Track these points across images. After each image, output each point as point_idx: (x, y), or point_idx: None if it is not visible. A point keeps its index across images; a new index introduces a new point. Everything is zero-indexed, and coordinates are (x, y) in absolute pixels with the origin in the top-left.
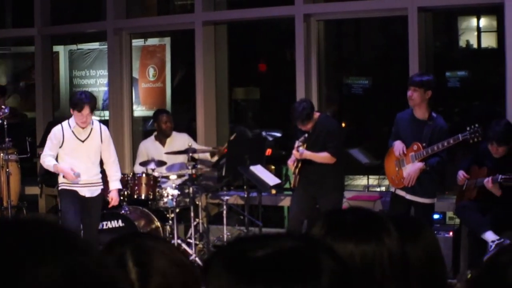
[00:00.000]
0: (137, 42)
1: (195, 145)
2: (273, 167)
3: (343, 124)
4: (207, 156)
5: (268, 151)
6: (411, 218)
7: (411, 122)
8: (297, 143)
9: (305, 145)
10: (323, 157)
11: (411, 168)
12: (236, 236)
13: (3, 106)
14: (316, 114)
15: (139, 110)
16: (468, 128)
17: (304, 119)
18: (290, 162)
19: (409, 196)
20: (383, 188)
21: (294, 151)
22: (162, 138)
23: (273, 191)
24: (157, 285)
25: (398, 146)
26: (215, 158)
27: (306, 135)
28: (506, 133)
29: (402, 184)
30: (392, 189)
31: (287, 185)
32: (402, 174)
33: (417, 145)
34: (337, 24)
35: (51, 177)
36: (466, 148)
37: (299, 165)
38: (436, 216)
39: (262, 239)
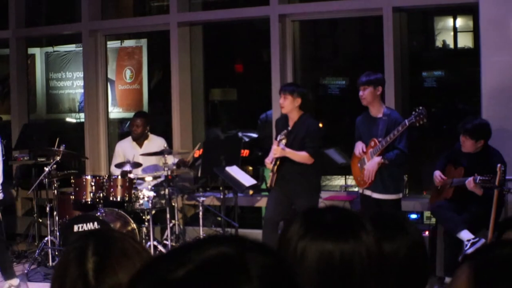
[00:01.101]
0: (113, 44)
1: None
2: (250, 168)
3: (320, 125)
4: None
5: (246, 152)
6: (395, 215)
7: (367, 121)
8: (279, 137)
9: (286, 140)
10: (302, 156)
11: (370, 164)
12: (155, 256)
13: None
14: (299, 113)
15: (116, 112)
16: (413, 112)
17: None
18: (268, 161)
19: (375, 195)
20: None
21: (275, 146)
22: (139, 140)
23: (251, 192)
24: (112, 275)
25: (357, 146)
26: (181, 169)
27: (286, 131)
28: (476, 127)
29: (366, 183)
30: (360, 190)
31: (263, 186)
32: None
33: (373, 141)
34: (313, 25)
35: (27, 181)
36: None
37: (278, 163)
38: (413, 216)
39: (182, 253)
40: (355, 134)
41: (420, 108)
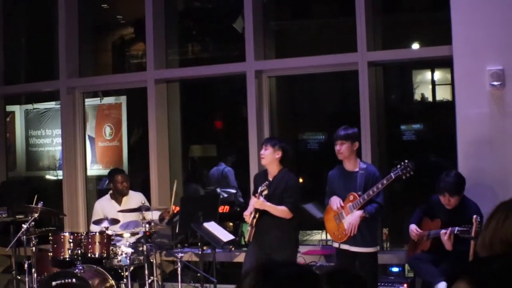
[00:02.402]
0: (93, 101)
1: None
2: (231, 223)
3: (301, 180)
4: (157, 216)
5: (226, 208)
6: (358, 274)
7: (343, 176)
8: (260, 188)
9: (267, 191)
10: (281, 210)
11: (351, 218)
12: None
13: None
14: (279, 168)
15: (96, 169)
16: (398, 166)
17: None
18: (247, 213)
19: (353, 248)
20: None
21: (255, 199)
22: (118, 197)
23: (232, 247)
24: None
25: (335, 200)
26: (164, 222)
27: (267, 182)
28: (457, 183)
29: (345, 237)
30: (336, 245)
31: (242, 242)
32: (343, 226)
33: (353, 195)
34: (290, 80)
35: (5, 238)
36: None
37: (257, 216)
38: (395, 269)
39: None
40: (327, 188)
41: (406, 161)
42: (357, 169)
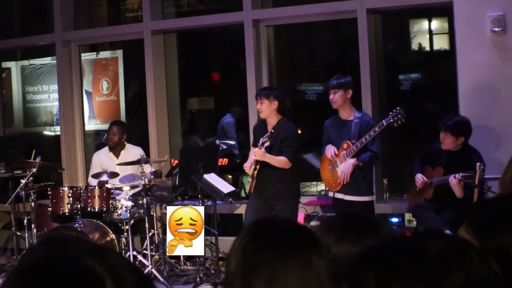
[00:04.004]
0: (89, 56)
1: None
2: (230, 176)
3: (299, 131)
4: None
5: (225, 161)
6: (369, 217)
7: (338, 125)
8: (261, 140)
9: (269, 143)
10: (280, 160)
11: (345, 165)
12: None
13: None
14: (278, 117)
15: (93, 124)
16: (390, 113)
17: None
18: (247, 165)
19: (348, 197)
20: None
21: (256, 149)
22: (116, 150)
23: (231, 200)
24: None
25: (329, 149)
26: (158, 179)
27: (269, 134)
28: (457, 123)
29: (338, 185)
30: (331, 194)
31: (242, 193)
32: (337, 175)
33: (346, 143)
34: (288, 30)
35: (3, 194)
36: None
37: (257, 167)
38: (394, 219)
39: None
40: (324, 137)
41: (398, 108)
42: (351, 118)
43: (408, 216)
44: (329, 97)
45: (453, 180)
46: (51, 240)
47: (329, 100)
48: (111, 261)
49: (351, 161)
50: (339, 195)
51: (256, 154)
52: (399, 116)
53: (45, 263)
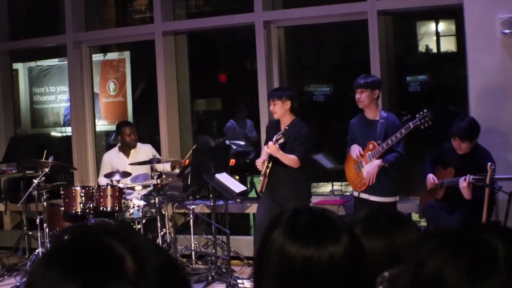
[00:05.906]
0: (96, 57)
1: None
2: (237, 177)
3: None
4: (168, 168)
5: (232, 162)
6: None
7: (363, 124)
8: (276, 136)
9: (283, 139)
10: (290, 159)
11: (370, 166)
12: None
13: None
14: (291, 118)
15: (101, 125)
16: (417, 115)
17: None
18: (260, 161)
19: (373, 198)
20: (347, 193)
21: (270, 143)
22: (126, 150)
23: (238, 200)
24: None
25: (354, 149)
26: (176, 171)
27: (283, 131)
28: (470, 128)
29: (363, 186)
30: (356, 194)
31: (252, 193)
32: (363, 175)
33: (372, 143)
34: (297, 31)
35: (15, 194)
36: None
37: (270, 165)
38: None
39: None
40: (349, 136)
41: (425, 111)
42: (377, 118)
43: (415, 216)
44: (355, 97)
45: (463, 183)
46: (80, 226)
47: (336, 101)
48: (134, 242)
49: (377, 162)
50: (364, 195)
51: (269, 146)
52: (426, 119)
53: (66, 244)
